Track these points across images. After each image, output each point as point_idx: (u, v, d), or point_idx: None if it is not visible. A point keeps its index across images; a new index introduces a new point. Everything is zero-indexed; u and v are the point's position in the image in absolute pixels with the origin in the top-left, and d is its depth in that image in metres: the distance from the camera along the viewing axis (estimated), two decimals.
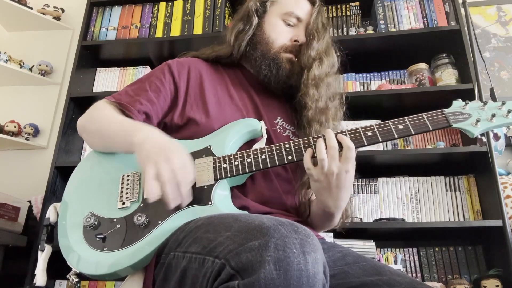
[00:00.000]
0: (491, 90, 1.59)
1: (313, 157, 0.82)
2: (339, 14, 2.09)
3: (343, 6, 2.11)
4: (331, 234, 1.61)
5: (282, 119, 1.04)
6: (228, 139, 0.91)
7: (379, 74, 2.07)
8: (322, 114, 0.98)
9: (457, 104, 0.84)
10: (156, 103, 0.97)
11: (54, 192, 1.87)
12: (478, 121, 0.80)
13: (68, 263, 0.80)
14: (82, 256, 0.78)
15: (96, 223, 0.81)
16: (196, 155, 0.89)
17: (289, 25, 1.06)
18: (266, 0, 1.09)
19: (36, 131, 2.32)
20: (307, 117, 0.98)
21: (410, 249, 1.79)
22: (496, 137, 0.80)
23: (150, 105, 0.96)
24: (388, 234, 1.78)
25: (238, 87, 1.07)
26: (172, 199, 0.75)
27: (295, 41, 1.05)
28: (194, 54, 1.14)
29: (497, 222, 1.52)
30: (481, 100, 1.59)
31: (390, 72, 2.06)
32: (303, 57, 1.03)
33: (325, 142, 0.80)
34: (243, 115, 0.99)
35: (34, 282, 0.85)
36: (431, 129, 0.81)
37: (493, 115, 0.80)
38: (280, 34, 1.06)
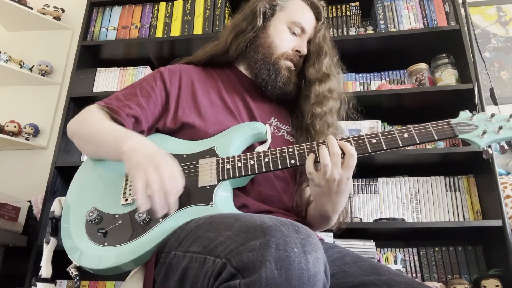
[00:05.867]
0: (491, 90, 1.60)
1: (315, 162, 0.83)
2: (339, 14, 2.09)
3: (343, 6, 2.11)
4: (331, 234, 1.61)
5: (276, 119, 1.06)
6: (233, 141, 0.91)
7: (379, 74, 2.07)
8: (329, 126, 1.01)
9: (464, 115, 0.84)
10: (146, 108, 0.97)
11: (54, 192, 1.86)
12: (484, 132, 0.79)
13: (69, 256, 0.81)
14: (83, 250, 0.79)
15: (98, 218, 0.83)
16: (200, 155, 0.90)
17: (293, 33, 1.08)
18: (276, 4, 1.09)
19: (36, 131, 2.32)
20: (314, 126, 1.00)
21: (410, 249, 1.79)
22: (503, 150, 0.79)
23: (139, 109, 0.96)
24: (388, 234, 1.78)
25: (231, 89, 1.07)
26: (160, 209, 0.76)
27: (296, 51, 1.07)
28: (186, 60, 1.15)
29: (497, 222, 1.52)
30: (481, 101, 1.60)
31: (390, 72, 2.06)
32: (310, 69, 1.06)
33: (328, 148, 0.81)
34: (235, 117, 0.99)
35: (40, 273, 0.87)
36: (436, 138, 0.81)
37: (500, 127, 0.79)
38: (284, 40, 1.06)
